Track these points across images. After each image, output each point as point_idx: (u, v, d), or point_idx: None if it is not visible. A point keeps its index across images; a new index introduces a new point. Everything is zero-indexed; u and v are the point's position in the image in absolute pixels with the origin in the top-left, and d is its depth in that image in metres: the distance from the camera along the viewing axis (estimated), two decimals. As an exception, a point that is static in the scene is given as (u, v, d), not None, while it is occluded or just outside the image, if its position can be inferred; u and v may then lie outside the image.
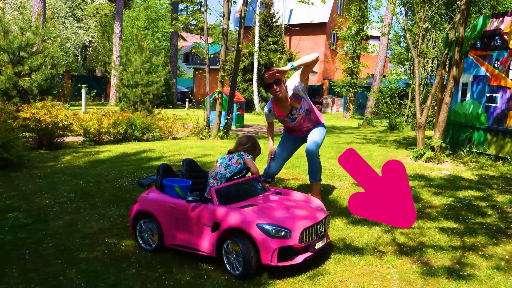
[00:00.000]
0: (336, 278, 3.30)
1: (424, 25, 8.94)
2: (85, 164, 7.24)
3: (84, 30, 29.88)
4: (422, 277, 3.34)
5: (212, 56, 11.59)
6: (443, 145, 8.10)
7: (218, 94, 10.52)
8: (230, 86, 11.31)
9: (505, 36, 8.01)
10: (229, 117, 11.16)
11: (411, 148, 9.01)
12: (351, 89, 21.54)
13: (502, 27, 8.08)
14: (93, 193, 5.48)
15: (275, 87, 4.43)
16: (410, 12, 9.82)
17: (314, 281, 3.24)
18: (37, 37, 12.70)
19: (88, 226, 4.34)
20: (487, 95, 8.36)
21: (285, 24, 30.08)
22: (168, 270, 3.40)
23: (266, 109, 4.84)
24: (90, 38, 30.06)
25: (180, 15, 14.07)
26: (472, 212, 4.92)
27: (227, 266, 3.34)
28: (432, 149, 8.03)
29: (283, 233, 3.18)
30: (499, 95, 8.12)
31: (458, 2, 11.51)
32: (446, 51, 8.34)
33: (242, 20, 11.09)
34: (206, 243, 3.42)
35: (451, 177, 6.73)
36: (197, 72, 30.04)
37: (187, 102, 26.30)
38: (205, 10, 11.20)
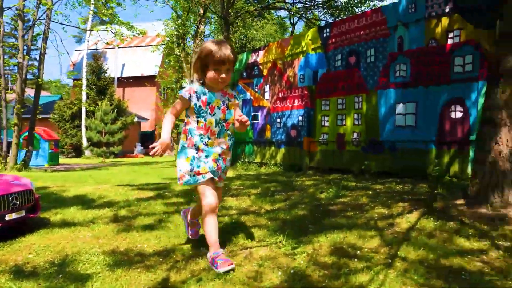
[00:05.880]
0: (27, 243, 3.00)
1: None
2: None
3: None
4: (117, 234, 3.26)
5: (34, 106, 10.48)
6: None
7: (14, 127, 9.46)
8: (30, 120, 10.33)
9: (261, 66, 8.99)
10: (27, 148, 10.04)
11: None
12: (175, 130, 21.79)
13: (258, 59, 9.07)
14: None
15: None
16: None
17: (-3, 249, 2.89)
18: None
19: None
20: (252, 114, 9.17)
21: (118, 77, 29.48)
22: None
23: None
24: None
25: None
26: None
27: None
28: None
29: (-44, 202, 2.80)
30: (259, 113, 8.97)
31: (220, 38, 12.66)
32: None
33: (42, 57, 10.40)
34: None
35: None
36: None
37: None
38: (1, 46, 10.22)
